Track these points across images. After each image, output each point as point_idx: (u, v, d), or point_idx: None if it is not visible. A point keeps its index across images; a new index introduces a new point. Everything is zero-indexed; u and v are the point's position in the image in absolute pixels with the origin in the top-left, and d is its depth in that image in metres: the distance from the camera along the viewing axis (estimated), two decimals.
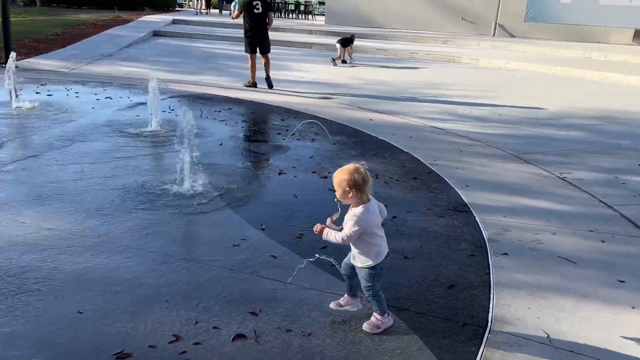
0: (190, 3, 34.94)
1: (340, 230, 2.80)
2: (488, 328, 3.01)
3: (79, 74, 10.90)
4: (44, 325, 2.76)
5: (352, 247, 2.87)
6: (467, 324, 3.03)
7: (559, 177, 5.87)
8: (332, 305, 3.07)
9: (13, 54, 8.12)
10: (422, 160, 6.15)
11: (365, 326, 2.93)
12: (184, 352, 2.64)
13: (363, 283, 2.87)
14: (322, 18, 26.39)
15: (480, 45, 19.23)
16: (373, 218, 2.77)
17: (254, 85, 10.45)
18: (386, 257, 2.86)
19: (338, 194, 2.79)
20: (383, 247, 2.84)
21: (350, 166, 2.76)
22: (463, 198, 5.04)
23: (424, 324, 3.02)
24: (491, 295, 3.35)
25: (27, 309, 2.88)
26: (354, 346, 2.79)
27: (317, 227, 2.85)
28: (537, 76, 13.97)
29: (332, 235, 2.82)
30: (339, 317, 3.03)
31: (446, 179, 5.54)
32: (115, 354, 2.58)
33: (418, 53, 16.59)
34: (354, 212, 2.75)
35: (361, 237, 2.76)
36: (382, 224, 2.87)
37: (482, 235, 4.25)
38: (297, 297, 3.20)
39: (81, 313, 2.89)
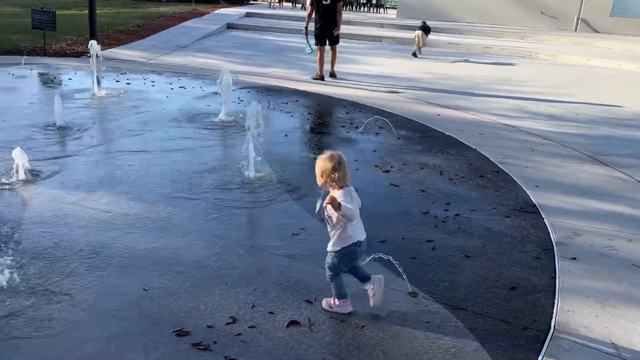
0: None
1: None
2: (550, 334, 2.88)
3: (156, 64, 11.39)
4: (112, 300, 2.93)
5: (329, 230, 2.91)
6: (527, 328, 2.92)
7: (638, 181, 5.50)
8: (371, 304, 2.99)
9: (93, 42, 8.50)
10: (490, 158, 5.95)
11: (323, 301, 3.01)
12: (239, 334, 2.72)
13: (326, 263, 2.94)
14: (394, 11, 26.06)
15: (559, 40, 18.30)
16: (353, 202, 2.84)
17: (321, 78, 10.55)
18: (356, 244, 2.86)
19: (319, 181, 2.88)
20: (354, 233, 2.87)
21: (329, 154, 2.90)
22: (532, 199, 4.84)
23: (481, 324, 2.94)
24: (556, 301, 3.21)
25: (98, 285, 3.07)
26: (407, 342, 2.76)
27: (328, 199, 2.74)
28: (620, 74, 13.12)
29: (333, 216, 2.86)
30: (394, 312, 3.00)
31: (515, 178, 5.34)
32: (175, 331, 2.69)
33: (492, 48, 16.03)
34: (336, 195, 2.80)
35: (340, 221, 2.81)
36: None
37: (550, 238, 4.06)
38: (352, 289, 3.20)
39: (146, 290, 3.04)
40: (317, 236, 3.87)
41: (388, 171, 5.38)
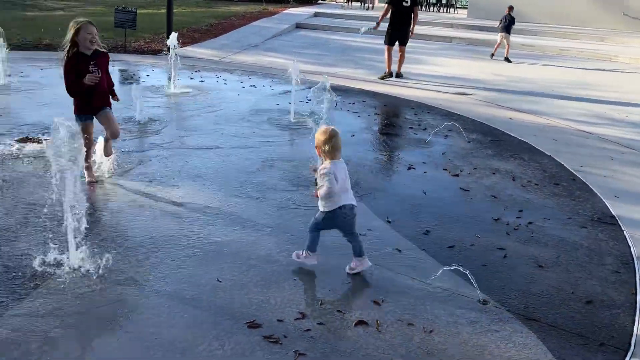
0: None
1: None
2: (630, 351, 2.75)
3: (227, 63, 11.72)
4: (188, 290, 3.06)
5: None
6: (605, 344, 2.80)
7: None
8: (347, 269, 3.34)
9: (174, 35, 8.74)
10: (565, 165, 5.73)
11: (293, 254, 3.42)
12: (308, 329, 2.77)
13: (313, 217, 3.36)
14: (464, 11, 25.48)
15: None
16: (339, 173, 3.21)
17: (389, 75, 10.62)
18: (340, 208, 3.23)
19: (317, 151, 3.30)
20: (339, 199, 3.24)
21: (325, 128, 3.29)
22: (610, 209, 4.62)
23: (555, 337, 2.85)
24: (636, 317, 3.05)
25: (174, 274, 3.21)
26: (477, 349, 2.72)
27: (312, 167, 3.28)
28: None
29: (321, 191, 3.22)
30: (463, 319, 2.96)
31: (592, 188, 5.11)
32: (247, 322, 2.78)
33: (569, 50, 15.36)
34: (324, 165, 3.24)
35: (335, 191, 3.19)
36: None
37: (631, 252, 3.87)
38: (421, 293, 3.19)
39: (220, 282, 3.15)
40: (384, 238, 3.88)
41: (457, 175, 5.29)
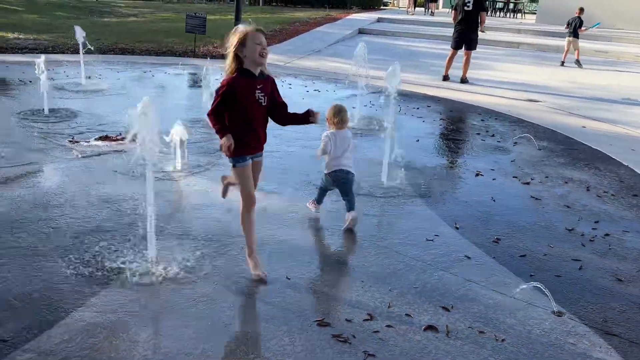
0: (395, 1, 35.52)
1: None
2: None
3: (292, 67, 11.90)
4: (260, 286, 3.13)
5: None
6: None
7: None
8: (345, 227, 3.86)
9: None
10: None
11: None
12: (377, 331, 2.77)
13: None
14: (532, 16, 24.70)
15: None
16: (337, 140, 3.93)
17: (445, 78, 10.73)
18: (335, 172, 3.92)
19: (327, 123, 4.10)
20: (336, 164, 3.93)
21: (335, 104, 4.11)
22: None
23: (637, 354, 2.70)
24: None
25: (246, 270, 3.29)
26: None
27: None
28: None
29: (317, 150, 4.01)
30: (537, 330, 2.87)
31: None
32: (317, 320, 2.81)
33: None
34: (325, 132, 4.02)
35: (328, 151, 3.92)
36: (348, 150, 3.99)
37: None
38: (492, 302, 3.11)
39: (289, 279, 3.21)
40: (452, 244, 3.82)
41: (528, 183, 5.13)
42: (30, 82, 6.54)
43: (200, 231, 3.76)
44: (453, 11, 10.81)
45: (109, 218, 3.86)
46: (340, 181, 3.93)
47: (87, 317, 2.73)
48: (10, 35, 13.37)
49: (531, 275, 3.40)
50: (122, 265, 3.22)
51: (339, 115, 3.99)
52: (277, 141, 6.03)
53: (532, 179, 5.25)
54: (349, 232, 3.90)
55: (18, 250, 3.34)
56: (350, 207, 3.91)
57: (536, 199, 4.78)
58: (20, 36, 13.13)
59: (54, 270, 3.14)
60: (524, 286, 3.23)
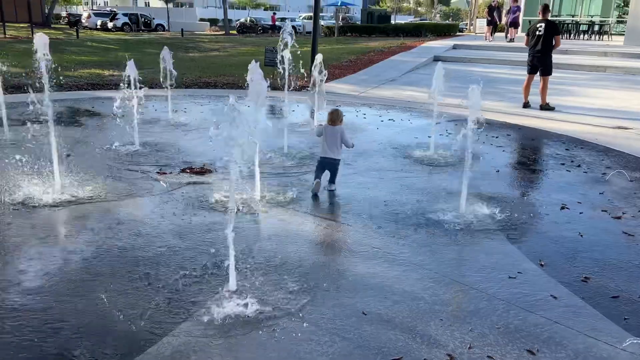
0: (471, 27, 35.04)
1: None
2: None
3: (366, 97, 12.01)
4: (336, 319, 3.13)
5: None
6: None
7: None
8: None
9: (319, 56, 8.92)
10: None
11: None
12: None
13: None
14: (620, 38, 23.44)
15: None
16: (327, 132, 5.31)
17: (525, 105, 10.51)
18: (324, 158, 5.32)
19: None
20: (324, 153, 5.31)
21: (332, 108, 5.52)
22: None
23: None
24: None
25: (321, 303, 3.31)
26: None
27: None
28: None
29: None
30: None
31: None
32: (394, 358, 2.77)
33: None
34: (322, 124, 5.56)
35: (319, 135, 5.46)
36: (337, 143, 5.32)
37: None
38: (582, 346, 2.92)
39: (365, 315, 3.19)
40: (537, 283, 3.65)
41: (619, 217, 4.82)
42: (123, 116, 7.04)
43: (268, 263, 3.83)
44: (525, 36, 10.67)
45: (193, 248, 4.04)
46: (326, 166, 5.34)
47: (168, 348, 2.85)
48: (106, 72, 14.51)
49: (625, 319, 3.17)
50: (202, 298, 3.34)
51: (329, 115, 5.37)
52: (350, 171, 6.08)
53: (623, 213, 4.93)
54: (423, 264, 3.83)
55: (106, 278, 3.56)
56: (331, 180, 5.41)
57: (629, 234, 4.47)
58: (115, 73, 14.20)
59: (139, 298, 3.31)
60: (617, 330, 3.02)
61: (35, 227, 4.38)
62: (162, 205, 4.94)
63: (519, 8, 22.41)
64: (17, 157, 5.58)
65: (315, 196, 5.26)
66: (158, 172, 5.88)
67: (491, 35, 23.27)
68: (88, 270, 3.65)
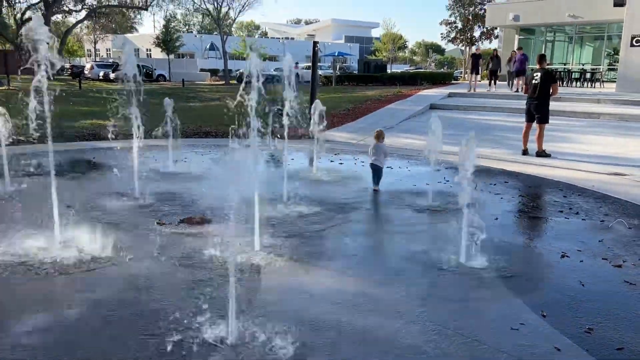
0: (466, 75, 35.83)
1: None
2: None
3: (364, 145, 12.12)
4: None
5: None
6: None
7: None
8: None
9: (317, 103, 9.09)
10: None
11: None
12: None
13: None
14: (612, 85, 23.97)
15: None
16: (375, 148, 7.45)
17: (524, 152, 10.69)
18: (371, 164, 7.48)
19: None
20: (371, 160, 7.47)
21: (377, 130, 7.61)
22: None
23: None
24: None
25: (326, 354, 3.25)
26: None
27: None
28: None
29: None
30: None
31: None
32: None
33: None
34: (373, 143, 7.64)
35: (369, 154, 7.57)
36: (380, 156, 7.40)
37: None
38: None
39: None
40: (539, 334, 3.60)
41: (620, 266, 4.81)
42: (123, 167, 7.11)
43: (275, 314, 3.79)
44: (524, 85, 11.02)
45: (189, 298, 3.99)
46: (373, 168, 7.47)
47: None
48: (107, 122, 14.72)
49: None
50: (195, 347, 3.29)
51: (376, 133, 7.56)
52: (349, 218, 6.09)
53: (624, 262, 4.92)
54: (424, 316, 3.79)
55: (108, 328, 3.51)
56: (376, 183, 7.53)
57: (630, 284, 4.45)
58: (116, 123, 14.41)
59: (140, 347, 3.26)
60: None
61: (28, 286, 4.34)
62: (161, 254, 4.91)
63: (525, 56, 21.08)
64: (17, 210, 5.60)
65: (375, 192, 7.42)
66: (158, 223, 5.89)
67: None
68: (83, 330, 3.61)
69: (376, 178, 7.47)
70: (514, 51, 22.81)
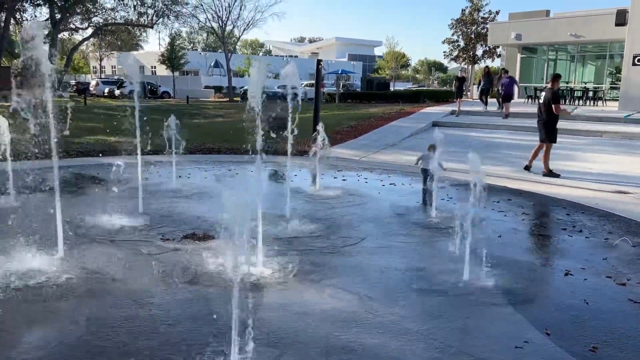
0: (468, 93, 35.97)
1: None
2: None
3: (367, 162, 12.19)
4: None
5: None
6: None
7: None
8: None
9: (320, 127, 9.23)
10: None
11: None
12: None
13: None
14: (614, 104, 24.04)
15: None
16: (425, 156, 7.85)
17: (526, 167, 10.80)
18: (422, 169, 7.93)
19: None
20: (423, 166, 7.87)
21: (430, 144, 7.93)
22: None
23: None
24: None
25: None
26: None
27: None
28: None
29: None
30: None
31: None
32: None
33: None
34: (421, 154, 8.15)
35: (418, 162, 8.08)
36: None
37: None
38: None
39: None
40: (544, 352, 3.59)
41: (624, 284, 4.79)
42: (127, 182, 7.14)
43: (276, 335, 3.78)
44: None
45: (192, 317, 3.99)
46: (423, 173, 7.87)
47: None
48: (112, 138, 14.81)
49: None
50: None
51: (430, 146, 7.88)
52: (353, 236, 6.08)
53: (628, 280, 4.90)
54: (428, 336, 3.77)
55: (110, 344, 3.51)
56: (429, 202, 7.53)
57: (635, 302, 4.43)
58: (120, 139, 14.50)
59: None
60: None
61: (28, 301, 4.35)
62: (165, 271, 4.92)
63: (511, 79, 20.37)
64: (19, 225, 5.62)
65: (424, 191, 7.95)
66: (162, 239, 5.90)
67: (460, 106, 21.99)
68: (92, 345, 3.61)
69: (428, 181, 7.54)
70: (503, 70, 22.43)
